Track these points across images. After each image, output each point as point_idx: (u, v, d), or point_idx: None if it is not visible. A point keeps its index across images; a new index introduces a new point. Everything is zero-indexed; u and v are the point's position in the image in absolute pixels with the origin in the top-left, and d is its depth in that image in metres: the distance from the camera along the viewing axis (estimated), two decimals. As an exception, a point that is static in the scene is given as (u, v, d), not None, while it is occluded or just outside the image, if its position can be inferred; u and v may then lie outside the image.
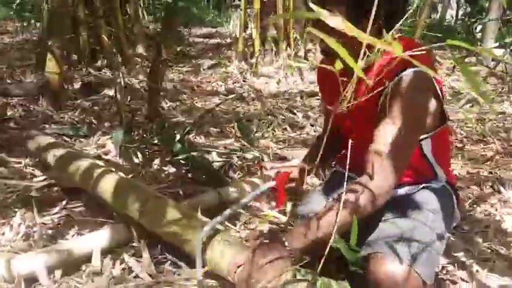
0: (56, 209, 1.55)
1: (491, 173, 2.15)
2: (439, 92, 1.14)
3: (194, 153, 1.96)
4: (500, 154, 2.37)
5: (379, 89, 1.09)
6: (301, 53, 4.21)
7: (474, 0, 8.58)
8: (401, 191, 1.23)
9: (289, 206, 1.25)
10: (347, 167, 1.02)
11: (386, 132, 1.06)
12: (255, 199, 1.54)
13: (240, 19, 4.10)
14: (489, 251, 1.50)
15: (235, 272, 1.05)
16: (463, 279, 1.34)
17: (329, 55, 1.15)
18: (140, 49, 4.14)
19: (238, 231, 1.53)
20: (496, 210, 1.81)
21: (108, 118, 2.42)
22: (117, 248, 1.30)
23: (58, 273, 1.18)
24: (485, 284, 1.32)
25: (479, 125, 2.92)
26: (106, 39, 3.28)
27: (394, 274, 1.02)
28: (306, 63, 4.06)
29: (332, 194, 1.33)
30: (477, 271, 1.38)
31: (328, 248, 0.94)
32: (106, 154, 1.99)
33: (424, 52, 1.11)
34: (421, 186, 1.26)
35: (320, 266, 0.93)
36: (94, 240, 1.27)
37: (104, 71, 3.27)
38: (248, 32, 4.27)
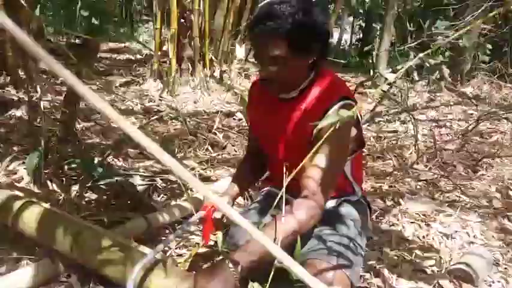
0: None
1: (391, 186, 2.43)
2: (360, 120, 1.31)
3: (116, 178, 1.91)
4: (396, 169, 2.68)
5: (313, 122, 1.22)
6: (217, 74, 4.31)
7: (367, 28, 9.55)
8: (327, 204, 1.35)
9: (219, 236, 1.31)
10: (284, 186, 1.11)
11: (319, 159, 1.19)
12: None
13: (156, 37, 4.07)
14: (396, 257, 1.71)
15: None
16: (378, 286, 1.51)
17: (268, 82, 1.25)
18: (44, 65, 3.88)
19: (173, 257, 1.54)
20: (398, 220, 2.06)
21: (17, 141, 2.25)
22: (43, 286, 1.23)
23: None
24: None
25: (377, 143, 3.27)
26: (10, 53, 3.04)
27: (327, 279, 1.14)
28: (222, 84, 4.17)
29: (266, 211, 1.41)
30: (388, 277, 1.56)
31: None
32: (18, 182, 1.85)
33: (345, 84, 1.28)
34: (342, 199, 1.42)
35: (268, 283, 1.00)
36: (19, 280, 1.19)
37: (7, 88, 3.01)
38: (163, 49, 4.25)
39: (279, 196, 1.20)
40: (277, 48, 1.15)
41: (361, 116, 1.35)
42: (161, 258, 1.19)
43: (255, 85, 1.46)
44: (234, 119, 3.50)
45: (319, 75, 1.29)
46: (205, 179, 2.27)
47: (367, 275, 1.56)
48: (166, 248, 1.58)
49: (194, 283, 1.07)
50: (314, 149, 1.21)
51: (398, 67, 4.63)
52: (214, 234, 1.27)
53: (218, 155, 2.73)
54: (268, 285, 0.97)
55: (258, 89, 1.42)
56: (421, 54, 1.85)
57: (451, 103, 4.47)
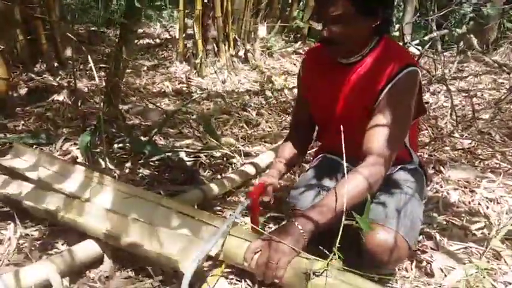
0: (36, 221, 1.49)
1: (430, 155, 2.44)
2: (421, 87, 1.33)
3: (166, 154, 1.97)
4: (434, 139, 2.69)
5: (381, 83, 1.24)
6: (241, 53, 4.32)
7: None
8: None
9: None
10: (343, 151, 1.15)
11: (384, 126, 1.22)
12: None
13: (180, 20, 4.09)
14: (445, 222, 1.74)
15: (252, 259, 1.13)
16: (431, 248, 1.55)
17: (329, 43, 1.26)
18: (69, 52, 3.94)
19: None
20: (441, 187, 2.08)
21: (64, 124, 2.32)
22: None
23: (65, 280, 1.16)
24: (449, 250, 1.54)
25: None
26: (45, 42, 3.10)
27: (386, 242, 1.19)
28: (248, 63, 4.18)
29: (325, 179, 1.45)
30: (440, 240, 1.60)
31: (341, 228, 1.07)
32: (74, 161, 1.92)
33: (408, 51, 1.30)
34: (398, 167, 1.45)
35: (337, 242, 1.05)
36: (96, 245, 1.27)
37: (45, 76, 3.08)
38: (187, 32, 4.27)
39: (335, 161, 1.24)
40: (341, 7, 1.16)
41: (421, 84, 1.35)
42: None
43: (311, 52, 1.46)
44: (263, 97, 3.52)
45: (382, 42, 1.30)
46: (246, 155, 2.32)
47: (420, 237, 1.59)
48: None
49: (266, 240, 1.12)
50: (378, 115, 1.24)
51: (425, 38, 4.57)
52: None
53: (254, 131, 2.77)
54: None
55: (314, 56, 1.43)
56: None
57: (480, 73, 4.41)
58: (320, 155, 1.60)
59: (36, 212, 1.43)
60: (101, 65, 3.66)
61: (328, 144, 1.56)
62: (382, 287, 1.05)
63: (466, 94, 3.69)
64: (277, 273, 1.09)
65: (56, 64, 3.41)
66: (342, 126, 1.17)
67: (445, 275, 1.42)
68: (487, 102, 3.48)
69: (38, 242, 1.36)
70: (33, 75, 2.97)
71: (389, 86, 1.25)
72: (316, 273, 1.07)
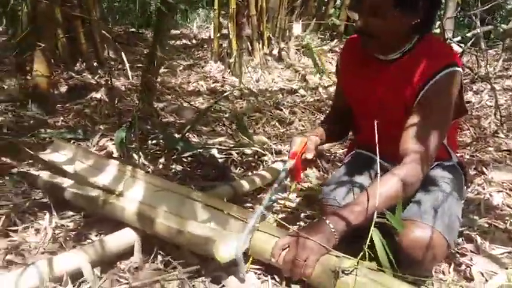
0: (71, 212, 1.53)
1: (472, 156, 2.33)
2: (463, 86, 1.26)
3: (198, 150, 1.98)
4: (476, 139, 2.57)
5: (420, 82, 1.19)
6: (276, 52, 4.30)
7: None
8: None
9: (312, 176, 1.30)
10: (377, 150, 1.11)
11: (422, 126, 1.17)
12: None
13: (214, 20, 4.13)
14: (486, 225, 1.65)
15: (279, 255, 1.11)
16: (471, 251, 1.47)
17: (362, 34, 1.22)
18: (109, 53, 4.07)
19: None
20: (484, 189, 1.98)
21: (101, 120, 2.39)
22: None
23: (97, 270, 1.19)
24: (490, 254, 1.46)
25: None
26: (84, 42, 3.22)
27: (423, 239, 1.13)
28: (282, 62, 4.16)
29: (358, 175, 1.41)
30: (481, 243, 1.51)
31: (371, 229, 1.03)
32: (109, 156, 1.97)
33: (453, 51, 1.23)
34: (435, 163, 1.38)
35: (367, 240, 1.01)
36: (127, 237, 1.29)
37: (84, 74, 3.20)
38: (222, 32, 4.31)
39: (369, 158, 1.19)
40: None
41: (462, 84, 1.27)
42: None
43: (351, 42, 1.40)
44: (297, 95, 3.49)
45: (424, 40, 1.23)
46: (277, 153, 2.30)
47: (459, 240, 1.52)
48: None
49: (294, 237, 1.10)
50: (416, 115, 1.18)
51: (468, 35, 4.38)
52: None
53: (286, 130, 2.75)
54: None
55: (353, 47, 1.37)
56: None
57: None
58: (354, 151, 1.55)
59: (76, 200, 1.47)
60: (138, 65, 3.76)
61: (363, 140, 1.51)
62: (412, 285, 1.00)
63: (512, 93, 3.51)
64: (304, 271, 1.07)
65: (95, 64, 3.53)
66: (375, 123, 1.13)
67: (486, 280, 1.35)
68: (535, 101, 3.29)
69: (73, 233, 1.40)
70: (73, 74, 3.09)
71: (428, 85, 1.19)
72: (346, 272, 1.03)
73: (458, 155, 1.48)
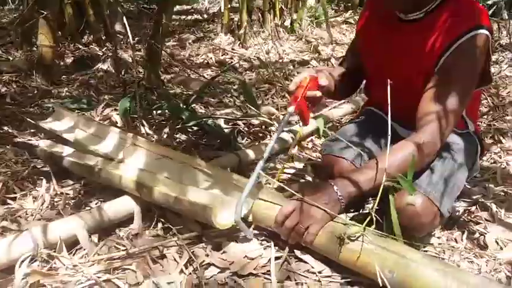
0: (71, 181, 1.50)
1: (489, 125, 2.23)
2: (490, 53, 1.15)
3: (204, 119, 1.93)
4: (493, 108, 2.45)
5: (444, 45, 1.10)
6: (287, 23, 4.18)
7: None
8: None
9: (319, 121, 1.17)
10: (389, 114, 1.04)
11: (443, 95, 1.08)
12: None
13: (224, -10, 4.01)
14: (502, 193, 1.57)
15: (283, 222, 1.06)
16: (486, 219, 1.40)
17: None
18: (118, 27, 4.00)
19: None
20: (500, 157, 1.89)
21: (106, 91, 2.35)
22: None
23: (94, 237, 1.16)
24: (506, 222, 1.39)
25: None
26: (91, 13, 3.16)
27: (411, 207, 1.07)
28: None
29: (368, 138, 1.34)
30: (496, 211, 1.44)
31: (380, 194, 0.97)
32: (113, 126, 1.94)
33: (483, 12, 1.11)
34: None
35: (375, 204, 0.95)
36: (126, 204, 1.25)
37: (91, 46, 3.15)
38: (233, 4, 4.20)
39: (380, 117, 1.12)
40: None
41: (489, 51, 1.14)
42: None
43: (373, 1, 1.31)
44: (308, 67, 3.38)
45: (450, 0, 1.13)
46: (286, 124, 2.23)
47: (473, 208, 1.45)
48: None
49: (301, 202, 1.05)
50: (436, 82, 1.09)
51: (489, 2, 4.18)
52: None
53: (296, 101, 2.67)
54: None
55: (375, 4, 1.29)
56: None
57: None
58: (366, 109, 1.47)
59: (74, 169, 1.45)
60: (147, 38, 3.69)
61: (376, 100, 1.43)
62: (425, 255, 0.94)
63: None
64: (306, 239, 1.02)
65: (103, 37, 3.47)
66: (389, 84, 1.05)
67: (501, 248, 1.28)
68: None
69: (72, 201, 1.37)
70: (80, 46, 3.04)
71: (451, 49, 1.10)
72: (352, 238, 0.98)
73: (476, 124, 1.39)
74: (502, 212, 1.44)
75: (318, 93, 1.13)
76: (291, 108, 1.11)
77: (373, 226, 0.99)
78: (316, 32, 4.23)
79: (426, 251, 1.21)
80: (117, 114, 2.00)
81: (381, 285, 0.92)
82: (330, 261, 1.05)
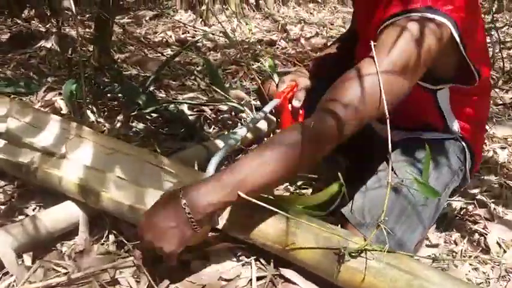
0: (2, 182, 1.23)
1: (470, 111, 2.12)
2: (461, 47, 0.92)
3: (164, 104, 1.69)
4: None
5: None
6: (253, 0, 3.93)
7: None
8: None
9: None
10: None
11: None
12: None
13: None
14: (497, 185, 1.45)
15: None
16: (486, 218, 1.27)
17: None
18: (66, 3, 3.60)
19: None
20: (486, 145, 1.78)
21: (50, 72, 2.04)
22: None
23: (27, 256, 0.91)
24: (506, 220, 1.26)
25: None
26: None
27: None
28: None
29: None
30: (494, 209, 1.31)
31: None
32: (56, 113, 1.65)
33: None
34: (417, 134, 1.13)
35: (383, 213, 0.76)
36: (70, 212, 1.01)
37: (32, 22, 2.77)
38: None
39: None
40: None
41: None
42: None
43: None
44: (277, 47, 3.18)
45: None
46: (258, 109, 2.02)
47: (471, 207, 1.31)
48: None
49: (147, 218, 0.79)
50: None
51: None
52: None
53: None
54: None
55: None
56: None
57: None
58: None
59: (7, 167, 1.18)
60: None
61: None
62: (442, 273, 0.77)
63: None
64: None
65: (47, 12, 3.09)
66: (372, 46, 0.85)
67: (504, 251, 1.15)
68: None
69: (3, 207, 1.11)
70: (18, 21, 2.67)
71: (390, 21, 0.90)
72: (353, 254, 0.79)
73: (468, 123, 1.15)
74: (499, 208, 1.31)
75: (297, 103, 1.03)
76: (276, 101, 1.00)
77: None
78: (283, 11, 4.01)
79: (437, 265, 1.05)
80: (62, 99, 1.71)
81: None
82: (325, 282, 0.86)
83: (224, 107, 1.95)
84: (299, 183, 1.36)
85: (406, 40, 0.85)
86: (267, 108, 1.01)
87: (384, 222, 0.83)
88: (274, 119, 1.64)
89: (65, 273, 0.86)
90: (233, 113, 1.92)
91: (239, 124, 1.82)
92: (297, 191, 1.34)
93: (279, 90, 1.06)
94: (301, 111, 1.10)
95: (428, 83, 1.04)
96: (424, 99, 1.09)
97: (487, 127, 1.89)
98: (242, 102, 2.02)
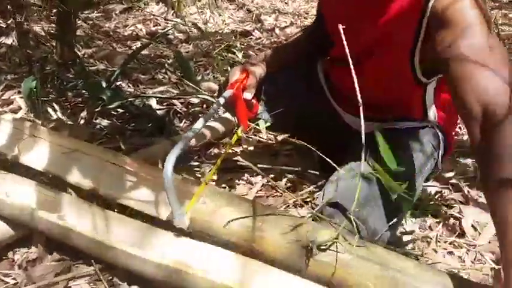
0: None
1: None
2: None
3: (130, 100, 1.61)
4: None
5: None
6: (225, -9, 3.85)
7: None
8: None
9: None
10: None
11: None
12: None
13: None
14: (471, 168, 1.43)
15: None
16: (460, 202, 1.25)
17: None
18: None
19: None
20: (460, 129, 1.77)
21: (9, 70, 1.93)
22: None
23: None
24: (480, 202, 1.24)
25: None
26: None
27: None
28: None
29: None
30: (469, 192, 1.29)
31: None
32: (15, 112, 1.57)
33: None
34: (391, 123, 1.10)
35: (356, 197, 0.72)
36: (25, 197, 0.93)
37: (-9, 16, 2.65)
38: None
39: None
40: None
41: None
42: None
43: None
44: (251, 38, 3.11)
45: None
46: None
47: (446, 192, 1.29)
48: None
49: None
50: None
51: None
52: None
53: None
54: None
55: None
56: None
57: (491, 7, 3.98)
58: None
59: None
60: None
61: (335, 74, 1.21)
62: (417, 263, 0.74)
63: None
64: None
65: (9, 7, 2.95)
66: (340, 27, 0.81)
67: (479, 234, 1.13)
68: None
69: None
70: (-25, 16, 2.54)
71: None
72: (322, 247, 0.75)
73: (444, 112, 1.15)
74: (473, 191, 1.29)
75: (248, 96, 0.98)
76: (228, 92, 0.94)
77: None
78: (257, 1, 3.94)
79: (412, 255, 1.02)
80: (21, 97, 1.62)
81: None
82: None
83: (195, 100, 1.89)
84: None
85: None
86: (221, 100, 0.95)
87: (356, 213, 0.81)
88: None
89: (14, 284, 0.79)
90: (205, 106, 1.86)
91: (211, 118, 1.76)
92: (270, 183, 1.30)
93: (230, 81, 1.00)
94: (254, 102, 1.04)
95: (425, 76, 1.00)
96: (413, 92, 1.06)
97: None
98: (214, 95, 1.96)
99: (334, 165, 0.81)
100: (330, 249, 0.75)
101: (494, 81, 0.70)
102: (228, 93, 0.94)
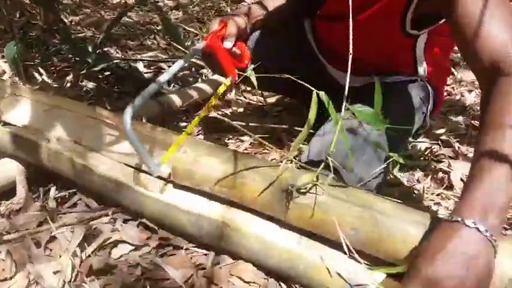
0: None
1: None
2: None
3: (116, 61, 1.59)
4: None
5: None
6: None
7: None
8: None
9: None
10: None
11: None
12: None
13: None
14: (463, 126, 1.42)
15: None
16: (450, 157, 1.24)
17: None
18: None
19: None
20: (454, 89, 1.75)
21: (-8, 35, 1.90)
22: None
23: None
24: (469, 157, 1.23)
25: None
26: None
27: None
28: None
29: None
30: (459, 147, 1.29)
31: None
32: (0, 75, 1.54)
33: None
34: (384, 77, 1.07)
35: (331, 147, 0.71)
36: (7, 169, 0.93)
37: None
38: None
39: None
40: None
41: None
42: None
43: None
44: (243, 4, 3.05)
45: None
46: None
47: (436, 147, 1.28)
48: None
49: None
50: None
51: None
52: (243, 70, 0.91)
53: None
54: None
55: None
56: None
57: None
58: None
59: None
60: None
61: (325, 42, 1.18)
62: (396, 204, 0.73)
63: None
64: None
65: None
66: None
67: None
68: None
69: None
70: (-41, -16, 2.46)
71: None
72: (302, 190, 0.75)
73: (434, 67, 1.12)
74: (465, 147, 1.29)
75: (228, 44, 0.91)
76: (200, 44, 0.88)
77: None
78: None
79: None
80: (5, 61, 1.59)
81: (345, 248, 0.70)
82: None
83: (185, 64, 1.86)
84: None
85: None
86: (192, 52, 0.91)
87: (341, 163, 0.80)
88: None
89: (-2, 232, 0.79)
90: (193, 69, 1.84)
91: (199, 80, 1.74)
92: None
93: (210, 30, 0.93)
94: (239, 52, 0.96)
95: (415, 29, 0.98)
96: (403, 45, 1.03)
97: (455, 72, 1.87)
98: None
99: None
100: (310, 192, 0.74)
101: (504, 33, 0.68)
102: (200, 44, 0.89)
